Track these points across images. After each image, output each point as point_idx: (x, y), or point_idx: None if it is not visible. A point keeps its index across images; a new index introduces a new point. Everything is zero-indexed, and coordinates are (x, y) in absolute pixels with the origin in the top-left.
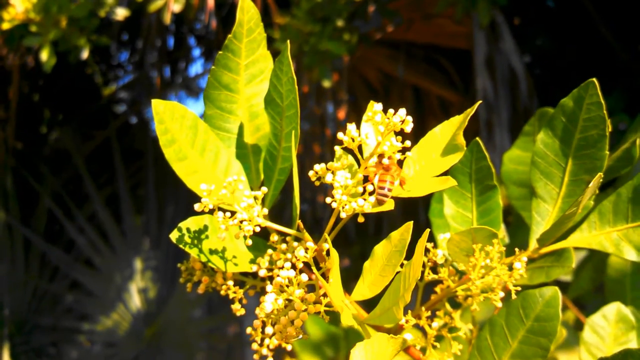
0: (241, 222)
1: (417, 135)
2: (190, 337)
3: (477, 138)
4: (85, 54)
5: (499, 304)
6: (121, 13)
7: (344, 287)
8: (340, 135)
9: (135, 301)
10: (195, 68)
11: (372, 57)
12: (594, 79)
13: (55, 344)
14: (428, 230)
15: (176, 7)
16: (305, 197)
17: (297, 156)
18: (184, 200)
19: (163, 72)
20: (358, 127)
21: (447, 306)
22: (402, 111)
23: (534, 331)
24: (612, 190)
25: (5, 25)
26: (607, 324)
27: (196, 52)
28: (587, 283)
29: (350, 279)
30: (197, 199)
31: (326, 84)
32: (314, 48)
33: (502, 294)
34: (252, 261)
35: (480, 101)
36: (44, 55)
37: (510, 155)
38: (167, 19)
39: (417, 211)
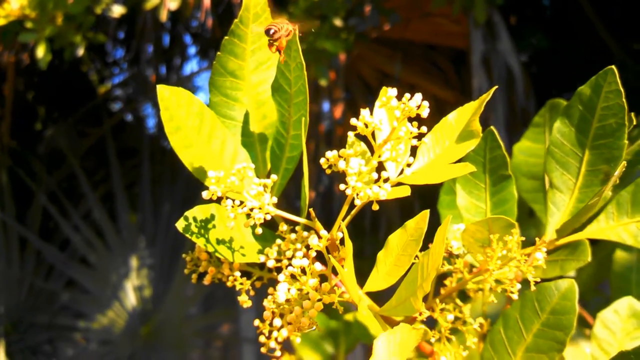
0: (251, 210)
1: None
2: (186, 335)
3: (492, 127)
4: (80, 51)
5: (515, 296)
6: (117, 10)
7: None
8: (353, 120)
9: (131, 299)
10: (191, 66)
11: (369, 55)
12: (613, 67)
13: (51, 341)
14: (449, 216)
15: (172, 5)
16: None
17: None
18: (179, 198)
19: (158, 70)
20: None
21: (457, 300)
22: (418, 96)
23: (549, 325)
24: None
25: (1, 22)
26: (618, 319)
27: (192, 50)
28: (590, 279)
29: None
30: (193, 196)
31: (323, 82)
32: (311, 46)
33: (519, 286)
34: (260, 252)
35: (496, 86)
36: (40, 51)
37: (520, 146)
38: (163, 16)
39: (412, 208)
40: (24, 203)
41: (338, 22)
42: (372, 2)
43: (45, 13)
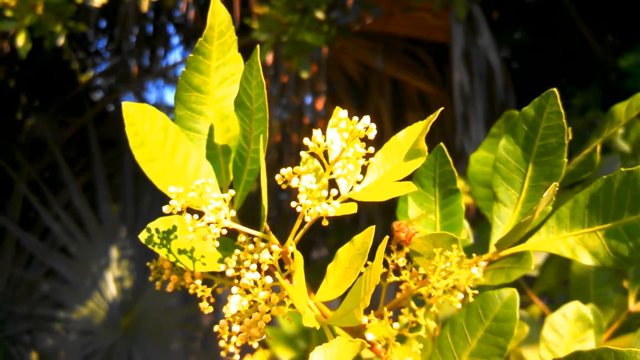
0: (209, 224)
1: (395, 126)
2: (166, 325)
3: (441, 143)
4: (61, 41)
5: (458, 306)
6: (98, 0)
7: (320, 275)
8: (306, 140)
9: (112, 290)
10: (174, 56)
11: (351, 48)
12: (555, 89)
13: (30, 332)
14: (387, 237)
15: None
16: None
17: (274, 145)
18: (160, 190)
19: (141, 60)
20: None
21: (412, 304)
22: (366, 118)
23: (492, 331)
24: (572, 194)
25: None
26: (566, 322)
27: (175, 40)
28: (553, 278)
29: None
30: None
31: (304, 75)
32: (292, 38)
33: (461, 296)
34: (220, 261)
35: (442, 108)
36: (20, 40)
37: (476, 156)
38: (145, 6)
39: (393, 202)
40: (4, 192)
41: (320, 15)
42: None
43: (26, 2)
